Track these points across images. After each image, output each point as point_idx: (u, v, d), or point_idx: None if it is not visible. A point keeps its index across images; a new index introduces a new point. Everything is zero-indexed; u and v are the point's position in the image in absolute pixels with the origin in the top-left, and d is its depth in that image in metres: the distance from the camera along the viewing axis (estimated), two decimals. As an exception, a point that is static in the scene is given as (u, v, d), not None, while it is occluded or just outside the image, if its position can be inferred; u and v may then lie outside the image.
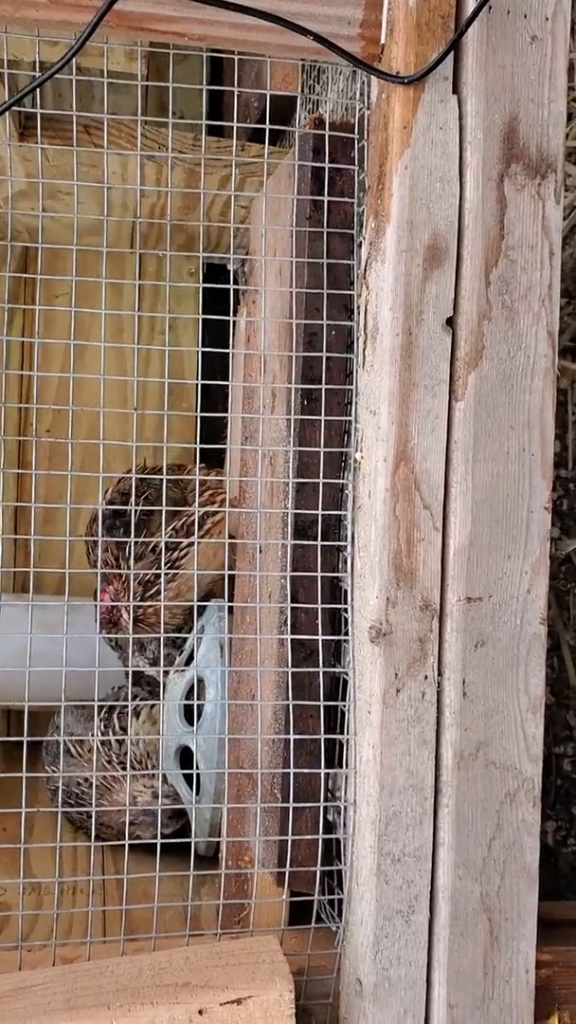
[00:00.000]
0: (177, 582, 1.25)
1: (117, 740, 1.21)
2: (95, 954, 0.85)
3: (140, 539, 1.22)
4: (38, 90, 0.77)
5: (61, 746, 1.23)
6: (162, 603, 1.18)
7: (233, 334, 1.48)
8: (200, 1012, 0.75)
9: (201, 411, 0.91)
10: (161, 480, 1.28)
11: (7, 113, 0.82)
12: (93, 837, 1.04)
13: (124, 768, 1.21)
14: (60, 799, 1.25)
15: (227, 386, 1.53)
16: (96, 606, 1.26)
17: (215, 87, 0.89)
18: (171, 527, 1.23)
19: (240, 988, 0.77)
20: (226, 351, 1.41)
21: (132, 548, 1.19)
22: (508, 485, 0.82)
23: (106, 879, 1.15)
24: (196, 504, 1.24)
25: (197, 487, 1.24)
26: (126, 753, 1.21)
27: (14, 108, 0.78)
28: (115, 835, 1.22)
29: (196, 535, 1.23)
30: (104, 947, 0.88)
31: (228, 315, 0.96)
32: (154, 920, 0.86)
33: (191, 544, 1.24)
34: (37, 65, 0.82)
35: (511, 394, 0.82)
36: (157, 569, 1.22)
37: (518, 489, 0.82)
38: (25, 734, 0.82)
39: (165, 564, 1.22)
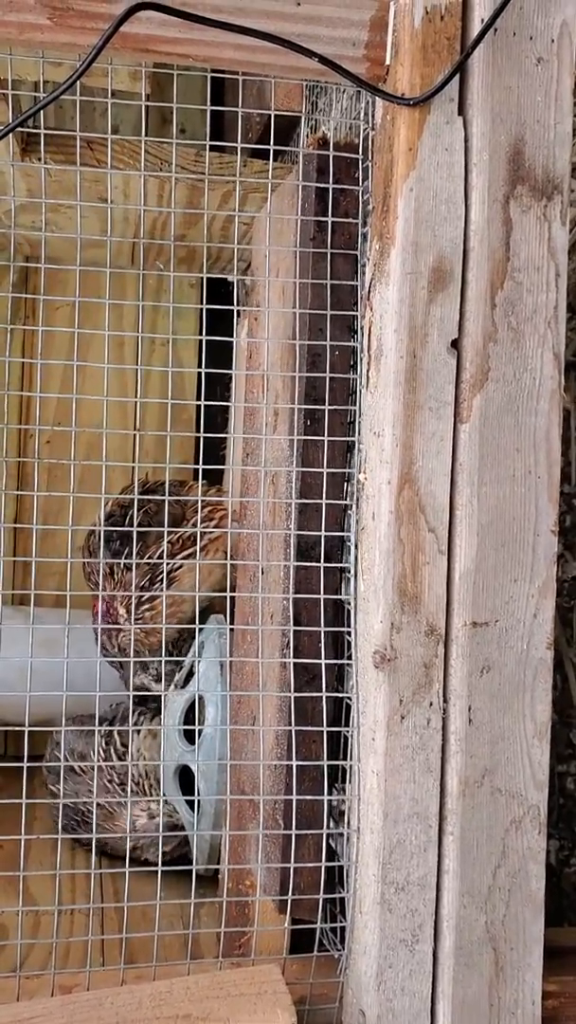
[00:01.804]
0: (172, 590, 1.24)
1: (119, 759, 1.20)
2: (94, 982, 0.84)
3: (136, 552, 1.21)
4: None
5: (62, 765, 1.22)
6: (165, 613, 1.18)
7: (234, 352, 1.47)
8: (201, 1045, 0.74)
9: (198, 427, 0.91)
10: (161, 495, 1.28)
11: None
12: (94, 859, 1.03)
13: (124, 788, 1.20)
14: (62, 816, 1.24)
15: (224, 403, 1.53)
16: (97, 608, 1.26)
17: (218, 107, 0.89)
18: (167, 541, 1.23)
19: (242, 1020, 0.75)
20: (226, 371, 1.40)
21: (132, 554, 1.19)
22: (514, 508, 0.81)
23: (104, 905, 1.14)
24: (197, 519, 1.24)
25: (199, 506, 1.23)
26: (126, 772, 1.20)
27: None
28: (116, 853, 1.21)
29: (197, 546, 1.22)
30: (103, 975, 0.87)
31: (228, 327, 0.96)
32: (154, 948, 0.85)
33: (187, 558, 1.23)
34: (41, 85, 0.82)
35: (517, 416, 0.81)
36: (152, 577, 1.22)
37: (524, 512, 0.81)
38: (25, 759, 0.81)
39: (159, 576, 1.21)
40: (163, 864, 0.87)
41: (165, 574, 1.21)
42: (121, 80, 0.99)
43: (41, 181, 0.87)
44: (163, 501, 1.24)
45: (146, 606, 1.22)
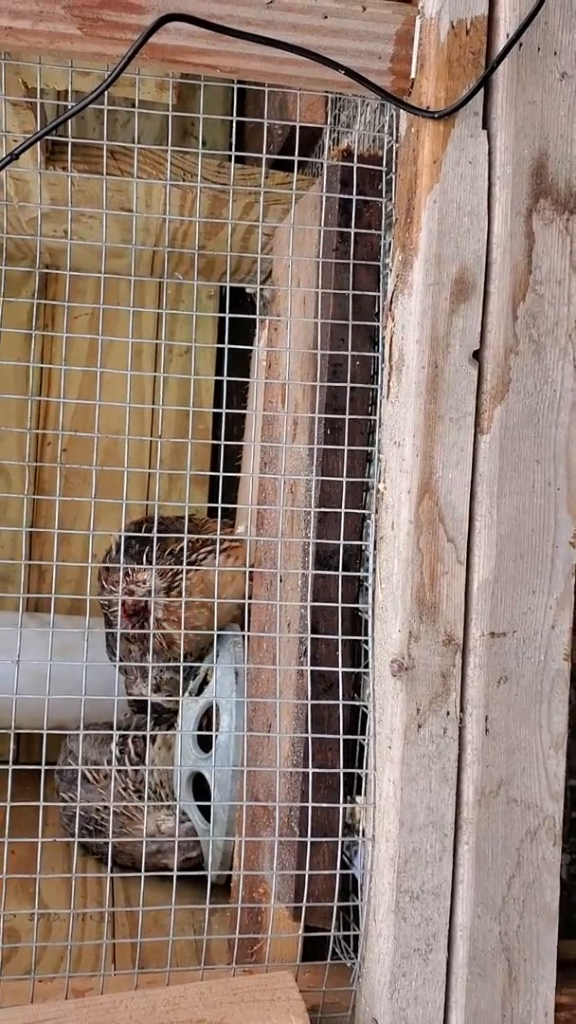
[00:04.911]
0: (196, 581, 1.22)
1: (133, 768, 1.20)
2: (107, 986, 0.84)
3: (156, 557, 1.21)
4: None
5: (79, 773, 1.22)
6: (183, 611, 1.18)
7: (252, 361, 1.48)
8: (215, 1050, 0.74)
9: (215, 436, 0.91)
10: (173, 522, 1.28)
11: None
12: (110, 865, 1.03)
13: (140, 796, 1.20)
14: (77, 826, 1.24)
15: (241, 412, 1.53)
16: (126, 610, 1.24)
17: (244, 119, 0.90)
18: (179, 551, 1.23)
19: (256, 1026, 0.75)
20: (244, 379, 1.41)
21: (151, 559, 1.19)
22: (533, 519, 0.82)
23: (118, 909, 1.14)
24: (218, 535, 1.24)
25: (218, 537, 1.23)
26: (142, 780, 1.20)
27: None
28: (132, 862, 1.21)
29: (216, 552, 1.22)
30: (116, 979, 0.87)
31: (244, 338, 0.97)
32: (169, 953, 0.85)
33: (207, 555, 1.24)
34: (70, 94, 0.83)
35: (537, 428, 0.82)
36: (174, 576, 1.21)
37: (543, 523, 0.82)
38: (43, 762, 0.82)
39: (179, 576, 1.21)
40: (178, 871, 0.87)
41: (177, 577, 1.20)
42: (148, 90, 1.00)
43: (67, 190, 0.88)
44: (173, 524, 1.25)
45: (174, 593, 1.20)
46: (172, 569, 1.20)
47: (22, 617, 0.90)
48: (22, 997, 0.83)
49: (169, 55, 0.78)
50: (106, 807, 1.19)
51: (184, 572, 1.19)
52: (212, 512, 1.58)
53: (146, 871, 1.17)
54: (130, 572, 1.20)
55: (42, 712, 0.84)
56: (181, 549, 1.21)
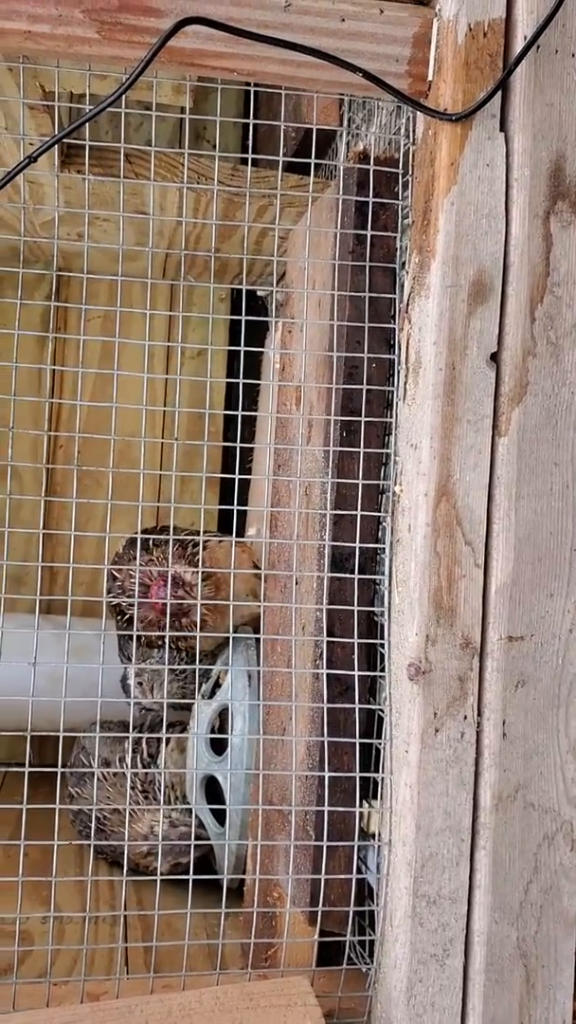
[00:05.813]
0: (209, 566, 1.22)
1: (145, 770, 1.20)
2: (122, 990, 0.84)
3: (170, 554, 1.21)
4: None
5: (95, 775, 1.22)
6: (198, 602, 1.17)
7: (264, 363, 1.48)
8: (232, 1055, 0.74)
9: (227, 438, 0.91)
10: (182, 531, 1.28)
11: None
12: (125, 868, 1.03)
13: (147, 797, 1.20)
14: (82, 824, 1.24)
15: (253, 414, 1.53)
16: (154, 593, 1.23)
17: (260, 121, 0.90)
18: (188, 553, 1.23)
19: (272, 1031, 0.75)
20: (255, 381, 1.41)
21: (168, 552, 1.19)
22: (551, 522, 0.81)
23: (130, 913, 1.14)
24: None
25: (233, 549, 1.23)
26: (151, 782, 1.20)
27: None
28: (130, 864, 1.21)
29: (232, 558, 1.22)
30: (131, 983, 0.87)
31: (255, 340, 0.96)
32: (184, 957, 0.85)
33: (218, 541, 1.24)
34: (87, 97, 0.83)
35: (555, 430, 0.81)
36: (190, 557, 1.21)
37: (561, 526, 0.81)
38: (59, 765, 0.82)
39: (196, 553, 1.21)
40: (176, 875, 0.86)
41: (200, 547, 1.20)
42: (164, 94, 1.00)
43: (85, 193, 0.88)
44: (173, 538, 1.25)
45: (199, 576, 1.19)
46: (189, 545, 1.19)
47: (38, 619, 0.90)
48: (37, 1000, 0.83)
49: (187, 58, 0.78)
50: (109, 806, 1.19)
51: (200, 548, 1.19)
52: (224, 514, 1.58)
53: (135, 872, 1.17)
54: (158, 562, 1.19)
55: (54, 714, 0.84)
56: (189, 536, 1.22)
